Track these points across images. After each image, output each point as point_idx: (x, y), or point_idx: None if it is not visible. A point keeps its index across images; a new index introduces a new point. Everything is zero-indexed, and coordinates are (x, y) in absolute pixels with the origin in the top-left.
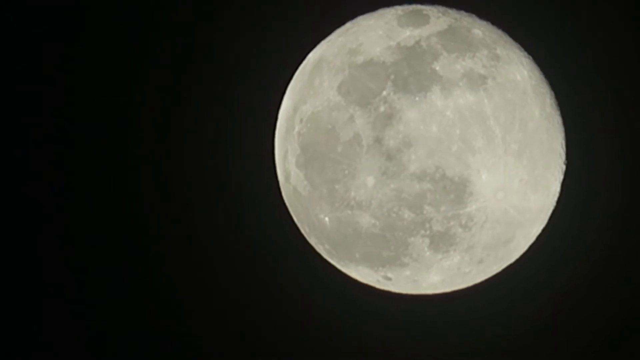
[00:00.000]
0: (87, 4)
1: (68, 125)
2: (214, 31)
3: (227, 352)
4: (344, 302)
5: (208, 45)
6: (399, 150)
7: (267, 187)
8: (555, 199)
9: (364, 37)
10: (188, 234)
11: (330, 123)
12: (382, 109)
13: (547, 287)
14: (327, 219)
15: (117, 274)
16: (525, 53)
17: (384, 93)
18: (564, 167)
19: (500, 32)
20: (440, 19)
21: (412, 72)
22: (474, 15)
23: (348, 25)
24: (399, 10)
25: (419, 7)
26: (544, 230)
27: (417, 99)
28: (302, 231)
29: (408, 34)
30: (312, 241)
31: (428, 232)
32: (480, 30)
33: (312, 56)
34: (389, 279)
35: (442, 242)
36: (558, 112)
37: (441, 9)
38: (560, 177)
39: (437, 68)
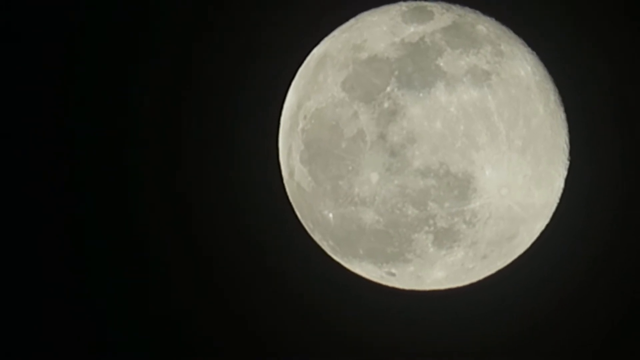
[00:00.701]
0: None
1: (69, 124)
2: (218, 27)
3: (230, 348)
4: (348, 298)
5: (212, 41)
6: (403, 147)
7: (271, 183)
8: (559, 195)
9: (368, 33)
10: (192, 230)
11: (334, 119)
12: (386, 105)
13: (551, 283)
14: (331, 215)
15: (117, 273)
16: (529, 49)
17: (388, 89)
18: (567, 163)
19: (504, 28)
20: (444, 15)
21: (416, 68)
22: (478, 12)
23: (352, 21)
24: (403, 6)
25: (423, 3)
26: (547, 226)
27: (421, 95)
28: (306, 227)
29: (412, 30)
30: (316, 237)
31: (432, 228)
32: (484, 26)
33: (316, 52)
34: (393, 275)
35: (446, 238)
36: (562, 108)
37: (445, 5)
38: (564, 173)
39: (441, 64)
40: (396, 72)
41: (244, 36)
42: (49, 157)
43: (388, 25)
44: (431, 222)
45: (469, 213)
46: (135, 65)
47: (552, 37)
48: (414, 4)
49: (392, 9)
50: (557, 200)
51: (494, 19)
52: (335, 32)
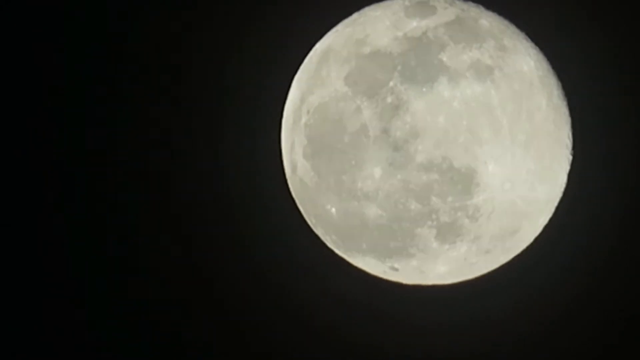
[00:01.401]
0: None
1: (70, 123)
2: (220, 22)
3: (232, 341)
4: (351, 292)
5: (214, 36)
6: (406, 141)
7: (273, 178)
8: (562, 189)
9: (371, 27)
10: (194, 225)
11: (337, 114)
12: (389, 99)
13: (554, 278)
14: (333, 210)
15: (119, 271)
16: (532, 44)
17: (391, 84)
18: (570, 157)
19: (507, 22)
20: (447, 9)
21: (419, 62)
22: (481, 6)
23: (355, 16)
24: (405, 1)
25: None
26: (551, 220)
27: (424, 89)
28: (309, 222)
29: (415, 25)
30: (319, 232)
31: (435, 222)
32: (487, 21)
33: (319, 47)
34: (396, 269)
35: (449, 232)
36: (565, 103)
37: None
38: (567, 167)
39: (444, 59)
40: (399, 67)
41: (246, 31)
42: (49, 157)
43: (391, 19)
44: (434, 216)
45: (472, 208)
46: (135, 64)
47: (555, 32)
48: None
49: (394, 4)
50: (560, 195)
51: (496, 14)
52: (338, 27)
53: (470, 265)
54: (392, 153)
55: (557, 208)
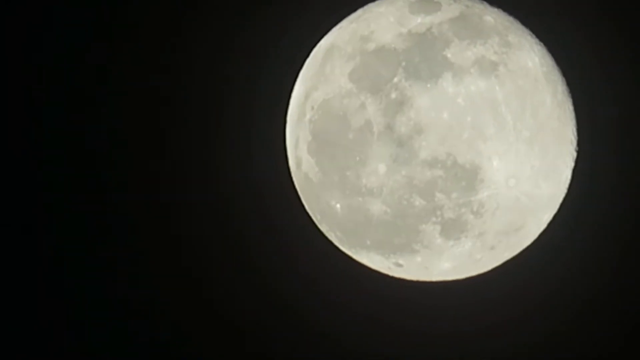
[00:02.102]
0: None
1: (71, 123)
2: (225, 19)
3: (236, 339)
4: (355, 289)
5: (219, 33)
6: (410, 137)
7: (278, 174)
8: (567, 185)
9: (376, 24)
10: (199, 222)
11: (341, 110)
12: (393, 95)
13: (559, 274)
14: (338, 206)
15: (120, 270)
16: (537, 40)
17: (395, 80)
18: (575, 154)
19: (511, 19)
20: (451, 5)
21: (423, 58)
22: (485, 2)
23: (359, 12)
24: None
25: None
26: (555, 217)
27: (428, 85)
28: (313, 218)
29: (419, 21)
30: (323, 228)
31: (439, 219)
32: (491, 17)
33: (323, 43)
34: (400, 265)
35: (453, 229)
36: (569, 99)
37: None
38: (572, 164)
39: (449, 55)
40: (403, 63)
41: (251, 27)
42: (47, 156)
43: (395, 16)
44: (438, 213)
45: (476, 204)
46: (137, 61)
47: (559, 28)
48: None
49: (399, 0)
50: (564, 191)
51: (501, 10)
52: (343, 23)
53: (474, 262)
54: (396, 149)
55: (562, 204)
